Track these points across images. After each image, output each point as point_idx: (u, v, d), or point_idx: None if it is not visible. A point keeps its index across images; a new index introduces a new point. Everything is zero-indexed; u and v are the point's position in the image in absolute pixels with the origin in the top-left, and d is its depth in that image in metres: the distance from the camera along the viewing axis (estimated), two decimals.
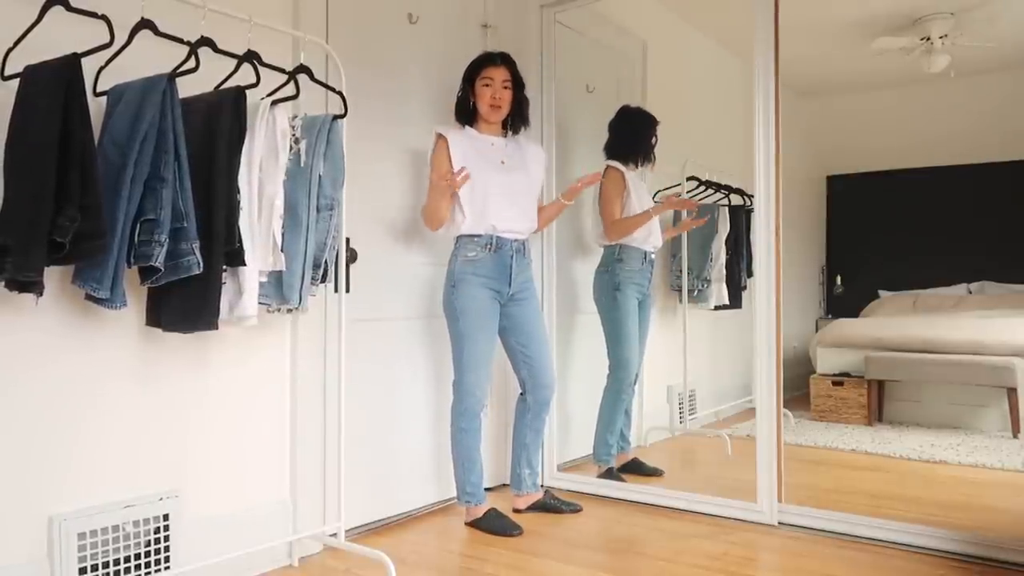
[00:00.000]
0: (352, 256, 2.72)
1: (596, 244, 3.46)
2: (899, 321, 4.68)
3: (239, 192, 2.06)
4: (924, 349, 4.32)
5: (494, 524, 2.78)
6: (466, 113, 2.89)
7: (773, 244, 2.86)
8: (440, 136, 2.80)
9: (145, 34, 1.94)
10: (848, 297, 5.23)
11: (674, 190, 3.55)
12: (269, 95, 2.20)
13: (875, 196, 5.12)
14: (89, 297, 1.84)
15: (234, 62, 2.14)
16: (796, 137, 3.93)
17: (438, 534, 2.83)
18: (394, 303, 2.96)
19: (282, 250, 2.19)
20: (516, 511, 2.96)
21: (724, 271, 4.00)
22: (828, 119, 5.26)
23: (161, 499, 2.14)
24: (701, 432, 4.11)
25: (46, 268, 1.73)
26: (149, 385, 2.16)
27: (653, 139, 3.48)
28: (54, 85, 1.71)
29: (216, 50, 2.06)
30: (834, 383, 4.53)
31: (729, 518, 2.91)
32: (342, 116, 2.38)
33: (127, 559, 2.06)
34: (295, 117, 2.30)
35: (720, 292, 4.01)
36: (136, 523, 2.08)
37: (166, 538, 2.14)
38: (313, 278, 2.32)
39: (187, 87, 2.00)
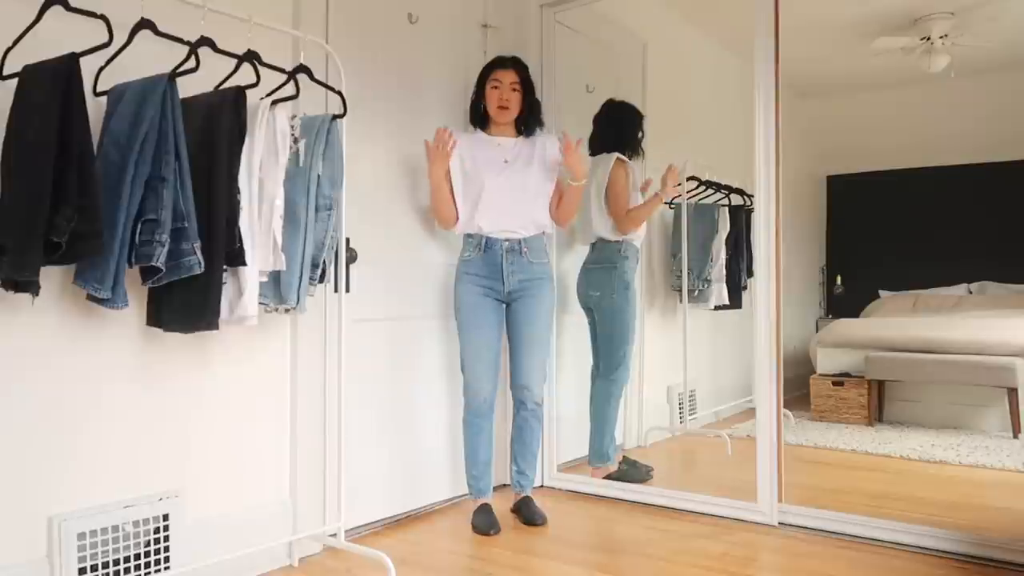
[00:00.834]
0: (352, 256, 2.72)
1: (600, 236, 3.35)
2: (899, 321, 4.68)
3: (239, 192, 2.06)
4: (924, 349, 4.32)
5: (477, 520, 2.81)
6: (478, 116, 2.95)
7: (773, 244, 2.86)
8: None
9: (145, 34, 1.94)
10: (848, 297, 5.23)
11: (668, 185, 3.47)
12: (269, 95, 2.20)
13: (875, 196, 5.13)
14: (90, 297, 1.84)
15: (234, 62, 2.14)
16: (796, 137, 3.93)
17: (442, 533, 2.83)
18: (394, 303, 2.96)
19: (282, 250, 2.19)
20: (512, 511, 2.96)
21: (724, 271, 4.00)
22: (828, 119, 5.26)
23: (161, 499, 2.14)
24: (701, 432, 4.11)
25: (46, 268, 1.73)
26: (149, 385, 2.16)
27: (640, 133, 3.46)
28: (52, 85, 1.71)
29: (216, 50, 2.06)
30: (834, 383, 4.53)
31: (729, 518, 2.91)
32: (341, 116, 2.38)
33: (127, 559, 2.06)
34: (295, 117, 2.30)
35: (720, 292, 4.01)
36: (136, 523, 2.08)
37: (166, 538, 2.14)
38: (311, 278, 2.32)
39: (187, 87, 2.00)
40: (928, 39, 4.46)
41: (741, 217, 4.01)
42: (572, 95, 3.60)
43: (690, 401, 4.06)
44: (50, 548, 1.93)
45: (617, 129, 3.44)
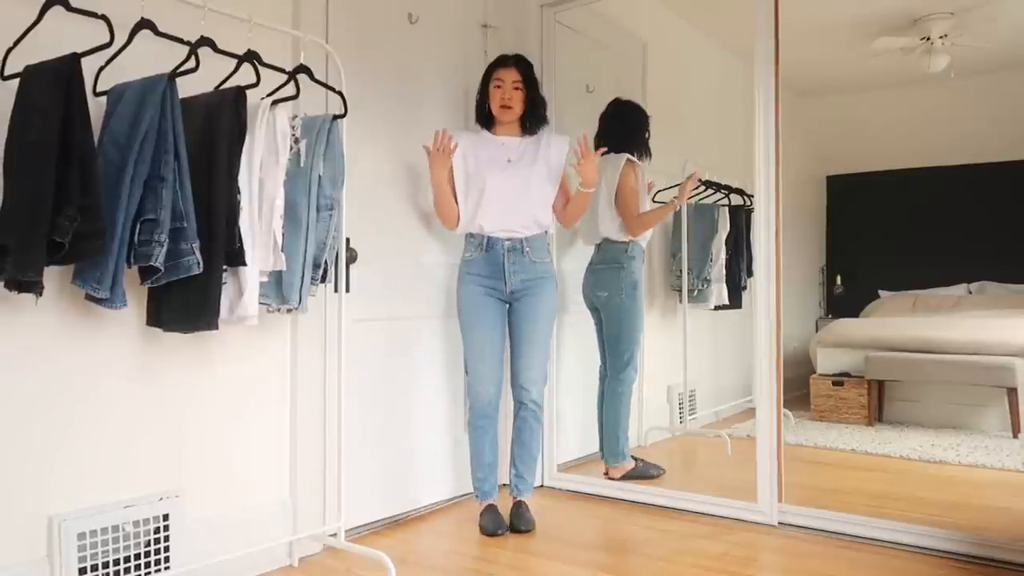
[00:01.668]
0: (352, 256, 2.72)
1: (607, 237, 3.35)
2: (899, 321, 4.69)
3: (239, 192, 2.06)
4: (924, 349, 4.33)
5: (484, 522, 2.80)
6: (483, 115, 2.94)
7: (773, 244, 2.86)
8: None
9: (145, 34, 1.94)
10: (848, 297, 5.23)
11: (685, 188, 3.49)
12: (269, 95, 2.20)
13: (875, 196, 5.13)
14: (89, 297, 1.84)
15: (234, 62, 2.14)
16: (796, 137, 3.93)
17: (441, 533, 2.83)
18: (394, 303, 2.96)
19: (282, 250, 2.19)
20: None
21: (724, 271, 4.00)
22: (828, 119, 5.27)
23: (161, 499, 2.14)
24: (701, 432, 4.11)
25: (46, 268, 1.73)
26: (149, 385, 2.16)
27: (646, 133, 3.46)
28: (54, 85, 1.71)
29: (216, 50, 2.06)
30: (834, 383, 4.54)
31: (729, 518, 2.91)
32: (342, 116, 2.38)
33: (127, 559, 2.06)
34: (295, 117, 2.30)
35: (720, 292, 4.01)
36: (136, 523, 2.08)
37: (166, 538, 2.14)
38: (313, 278, 2.32)
39: (187, 87, 2.00)
40: (928, 39, 4.46)
41: (741, 217, 4.01)
42: (572, 95, 3.60)
43: (690, 401, 4.06)
44: (50, 548, 1.93)
45: (625, 129, 3.43)
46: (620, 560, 2.52)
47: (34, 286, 1.72)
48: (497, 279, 2.82)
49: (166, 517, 2.14)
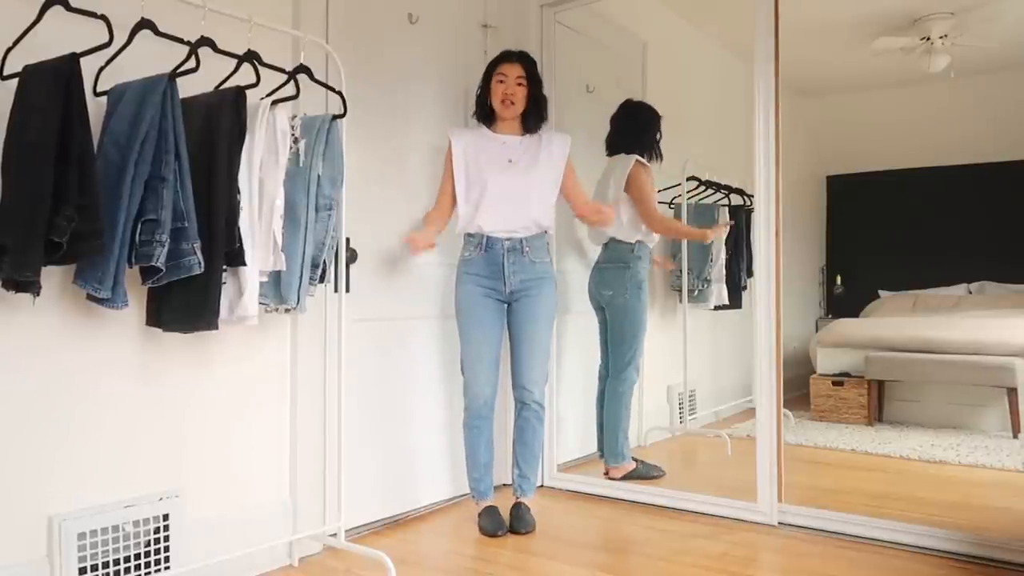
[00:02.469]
0: (352, 256, 2.72)
1: (613, 237, 3.35)
2: (899, 321, 4.68)
3: (239, 192, 2.06)
4: (924, 349, 4.32)
5: (484, 522, 2.80)
6: (484, 111, 2.90)
7: (773, 244, 2.86)
8: (448, 139, 2.85)
9: (145, 34, 1.94)
10: (848, 297, 5.23)
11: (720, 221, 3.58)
12: (269, 95, 2.20)
13: (875, 196, 5.13)
14: (90, 297, 1.84)
15: (234, 62, 2.14)
16: (796, 137, 3.93)
17: (441, 533, 2.83)
18: (394, 303, 2.96)
19: (282, 250, 2.19)
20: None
21: (724, 271, 4.00)
22: (828, 119, 5.27)
23: (161, 499, 2.14)
24: (701, 432, 4.11)
25: (46, 268, 1.73)
26: (149, 385, 2.16)
27: (658, 135, 3.46)
28: (53, 85, 1.71)
29: (216, 50, 2.06)
30: (834, 383, 4.54)
31: (729, 518, 2.91)
32: (341, 116, 2.38)
33: (127, 559, 2.06)
34: (295, 117, 2.31)
35: (720, 292, 4.00)
36: (136, 523, 2.08)
37: (166, 538, 2.14)
38: (311, 278, 2.32)
39: (187, 87, 2.00)
40: (928, 39, 4.46)
41: (741, 217, 4.01)
42: (572, 95, 3.60)
43: (690, 401, 4.06)
44: (50, 548, 1.93)
45: (635, 130, 3.43)
46: (620, 560, 2.52)
47: (31, 286, 1.72)
48: (496, 279, 2.81)
49: (166, 517, 2.14)
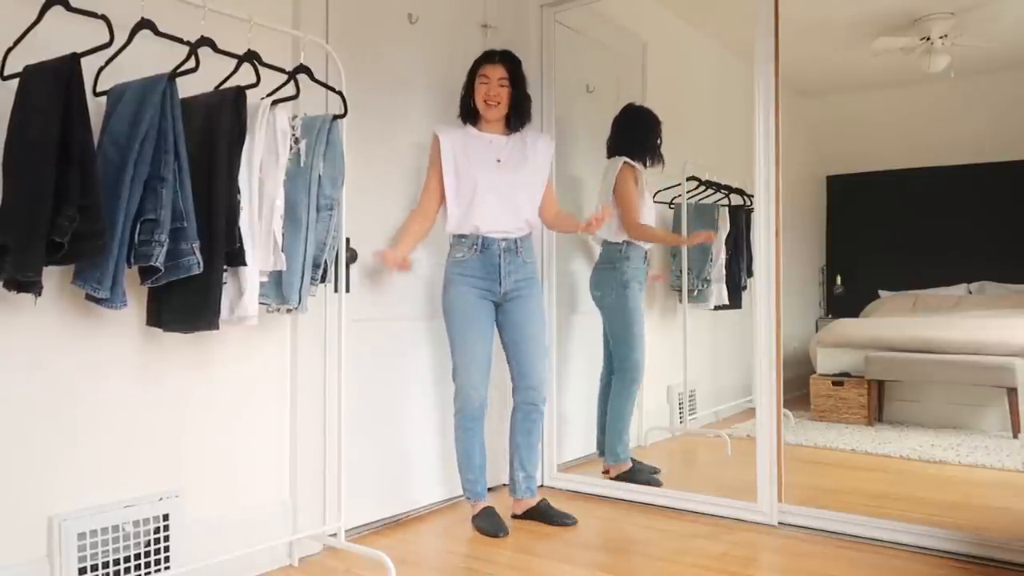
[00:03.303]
0: (352, 256, 2.72)
1: (603, 238, 3.39)
2: (899, 321, 4.68)
3: (239, 192, 2.06)
4: (924, 349, 4.32)
5: (484, 523, 2.79)
6: (468, 111, 2.89)
7: (773, 244, 2.86)
8: (434, 135, 2.83)
9: (145, 34, 1.94)
10: (848, 297, 5.23)
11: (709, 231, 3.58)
12: (269, 95, 2.20)
13: (875, 196, 5.12)
14: (89, 297, 1.84)
15: (234, 62, 2.14)
16: (796, 137, 3.93)
17: (441, 533, 2.83)
18: (394, 303, 2.96)
19: (282, 250, 2.19)
20: (514, 516, 2.95)
21: (724, 271, 4.00)
22: (828, 119, 5.26)
23: (161, 499, 2.14)
24: (701, 432, 4.11)
25: (45, 268, 1.73)
26: (149, 385, 2.16)
27: (658, 140, 3.47)
28: (53, 85, 1.71)
29: (216, 50, 2.06)
30: (834, 383, 4.53)
31: (729, 518, 2.91)
32: (342, 116, 2.38)
33: (127, 559, 2.06)
34: (295, 117, 2.31)
35: (720, 292, 4.00)
36: (136, 523, 2.08)
37: (166, 538, 2.14)
38: (313, 278, 2.32)
39: (187, 87, 2.00)
40: (928, 39, 4.46)
41: (741, 217, 4.00)
42: (572, 95, 3.60)
43: (690, 401, 4.06)
44: (50, 548, 1.93)
45: (635, 134, 3.45)
46: (620, 560, 2.52)
47: (33, 286, 1.73)
48: (492, 280, 2.80)
49: (166, 517, 2.14)
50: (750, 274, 3.81)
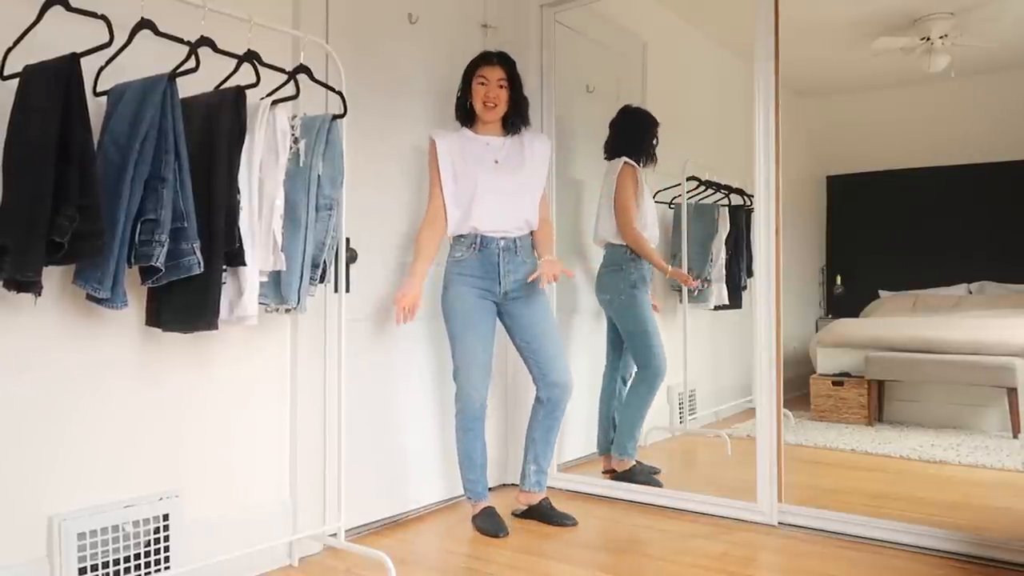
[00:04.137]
0: (352, 256, 2.72)
1: (607, 240, 3.39)
2: (899, 321, 4.68)
3: (239, 192, 2.06)
4: (924, 349, 4.32)
5: (484, 523, 2.80)
6: (464, 113, 2.89)
7: (773, 244, 2.86)
8: (431, 140, 2.82)
9: (145, 34, 1.94)
10: (848, 297, 5.23)
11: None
12: (269, 95, 2.20)
13: (875, 196, 5.12)
14: (90, 297, 1.84)
15: (234, 62, 2.14)
16: (796, 137, 3.93)
17: (441, 533, 2.83)
18: (391, 303, 2.96)
19: (282, 250, 2.19)
20: (514, 515, 2.95)
21: (724, 271, 4.00)
22: (828, 119, 5.26)
23: (161, 499, 2.14)
24: (701, 432, 4.11)
25: (45, 268, 1.73)
26: (149, 385, 2.16)
27: (654, 140, 3.48)
28: (53, 85, 1.71)
29: (216, 50, 2.06)
30: (834, 383, 4.53)
31: (729, 518, 2.91)
32: (341, 116, 2.38)
33: (127, 559, 2.06)
34: (295, 117, 2.31)
35: (720, 292, 4.00)
36: (136, 523, 2.08)
37: (166, 538, 2.14)
38: (312, 278, 2.32)
39: (187, 87, 2.00)
40: (928, 39, 4.46)
41: (741, 217, 4.00)
42: (572, 95, 3.60)
43: (690, 401, 4.06)
44: (50, 548, 1.93)
45: (628, 135, 3.45)
46: (620, 560, 2.52)
47: (33, 286, 1.73)
48: (491, 280, 2.80)
49: (166, 517, 2.14)
50: (750, 274, 3.81)
